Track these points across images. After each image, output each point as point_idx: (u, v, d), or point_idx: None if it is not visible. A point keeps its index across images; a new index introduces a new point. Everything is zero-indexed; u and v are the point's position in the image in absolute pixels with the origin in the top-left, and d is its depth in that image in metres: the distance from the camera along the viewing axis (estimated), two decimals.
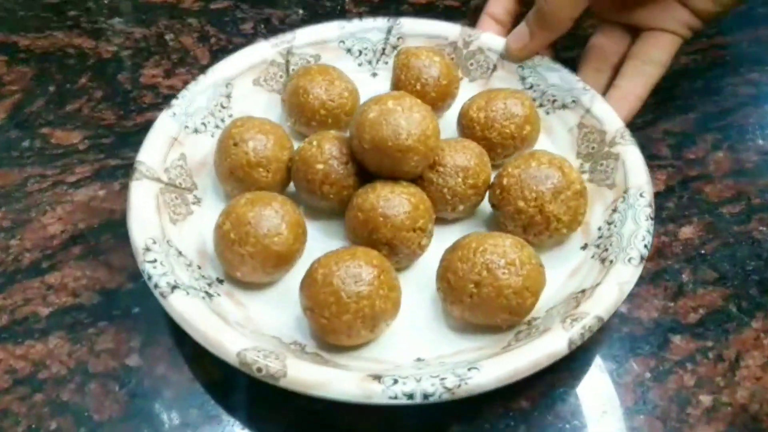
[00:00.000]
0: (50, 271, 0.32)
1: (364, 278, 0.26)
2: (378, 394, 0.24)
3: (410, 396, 0.23)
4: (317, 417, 0.25)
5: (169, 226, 0.31)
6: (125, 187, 0.36)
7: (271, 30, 0.48)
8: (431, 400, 0.24)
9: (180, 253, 0.30)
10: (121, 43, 0.47)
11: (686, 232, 0.35)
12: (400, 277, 0.30)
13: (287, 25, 0.49)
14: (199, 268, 0.30)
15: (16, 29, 0.48)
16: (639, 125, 0.41)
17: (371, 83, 0.40)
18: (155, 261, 0.28)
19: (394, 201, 0.29)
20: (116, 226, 0.34)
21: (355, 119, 0.30)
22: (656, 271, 0.33)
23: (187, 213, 0.32)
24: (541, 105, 0.37)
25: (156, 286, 0.27)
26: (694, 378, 0.29)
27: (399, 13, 0.50)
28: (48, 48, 0.46)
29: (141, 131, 0.40)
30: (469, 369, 0.24)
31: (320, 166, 0.31)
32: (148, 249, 0.28)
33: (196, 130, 0.35)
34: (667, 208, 0.36)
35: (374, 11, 0.50)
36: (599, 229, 0.31)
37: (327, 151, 0.31)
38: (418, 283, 0.30)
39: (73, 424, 0.27)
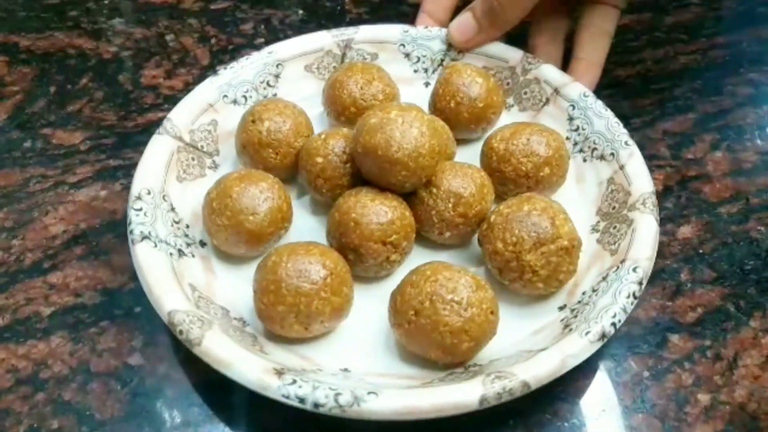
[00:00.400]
0: (52, 271, 0.33)
1: (309, 276, 0.26)
2: (272, 388, 0.24)
3: (302, 400, 0.23)
4: (317, 416, 0.25)
5: (174, 182, 0.32)
6: (126, 188, 0.36)
7: (271, 30, 0.48)
8: (321, 410, 0.23)
9: (173, 208, 0.31)
10: (122, 44, 0.47)
11: (685, 231, 0.35)
12: (370, 288, 0.30)
13: (287, 26, 0.49)
14: (188, 227, 0.31)
15: (16, 30, 0.48)
16: (638, 125, 0.41)
17: (420, 92, 0.39)
18: (141, 210, 0.30)
19: (371, 210, 0.29)
20: (118, 226, 0.35)
21: (359, 121, 0.30)
22: (654, 270, 0.33)
23: (198, 175, 0.34)
24: (581, 150, 0.35)
25: (131, 232, 0.29)
26: (693, 377, 0.29)
27: (399, 14, 0.50)
28: (49, 48, 0.46)
29: (142, 132, 0.40)
30: (368, 393, 0.24)
31: (319, 160, 0.31)
32: (139, 197, 0.30)
33: (235, 101, 0.36)
34: (666, 208, 0.36)
35: (374, 12, 0.50)
36: (584, 293, 0.29)
37: (330, 147, 0.32)
38: (383, 297, 0.29)
39: (75, 424, 0.27)
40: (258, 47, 0.39)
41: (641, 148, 0.34)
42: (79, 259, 0.33)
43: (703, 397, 0.28)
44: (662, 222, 0.35)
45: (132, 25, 0.49)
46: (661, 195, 0.37)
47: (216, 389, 0.28)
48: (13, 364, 0.29)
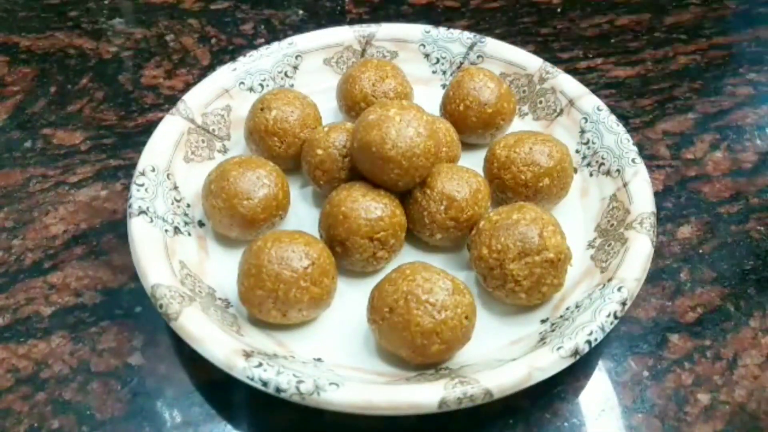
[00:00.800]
0: (52, 271, 0.33)
1: (291, 264, 0.27)
2: (238, 369, 0.24)
3: (265, 384, 0.24)
4: (318, 416, 0.25)
5: (180, 162, 0.33)
6: (127, 188, 0.37)
7: (271, 30, 0.48)
8: (282, 396, 0.24)
9: (176, 187, 0.32)
10: (122, 44, 0.47)
11: (684, 231, 0.35)
12: (358, 282, 0.30)
13: (287, 26, 0.49)
14: (189, 206, 0.32)
15: (17, 30, 0.48)
16: (638, 125, 0.41)
17: (437, 92, 0.39)
18: (143, 185, 0.31)
19: (361, 205, 0.29)
20: (118, 226, 0.35)
21: (360, 117, 0.30)
22: (654, 270, 0.33)
23: (207, 157, 0.35)
24: (588, 164, 0.35)
25: (130, 206, 0.30)
26: (692, 377, 0.29)
27: (399, 15, 0.50)
28: (49, 49, 0.46)
29: (142, 132, 0.40)
30: (330, 383, 0.24)
31: (320, 152, 0.32)
32: (143, 173, 0.31)
33: (251, 89, 0.37)
34: (666, 208, 0.36)
35: (374, 12, 0.50)
36: (568, 308, 0.28)
37: (331, 140, 0.32)
38: (366, 294, 0.28)
39: (75, 423, 0.27)
40: (258, 47, 0.39)
41: (641, 148, 0.34)
42: (80, 259, 0.33)
43: (703, 397, 0.28)
44: (662, 222, 0.35)
45: (132, 25, 0.49)
46: (661, 195, 0.37)
47: (216, 389, 0.28)
48: (13, 363, 0.29)
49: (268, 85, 0.38)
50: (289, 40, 0.39)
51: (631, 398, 0.28)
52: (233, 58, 0.38)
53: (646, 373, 0.29)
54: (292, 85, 0.38)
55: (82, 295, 0.32)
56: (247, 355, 0.25)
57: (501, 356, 0.27)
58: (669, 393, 0.28)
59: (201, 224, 0.32)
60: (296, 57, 0.39)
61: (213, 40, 0.47)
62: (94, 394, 0.28)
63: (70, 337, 0.30)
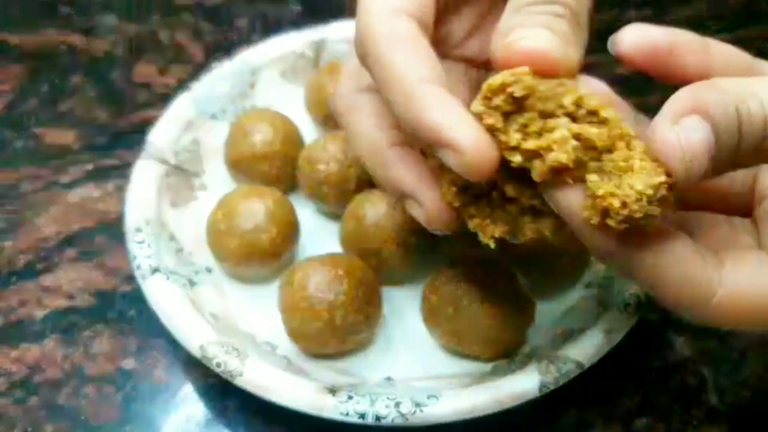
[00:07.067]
0: (45, 273, 0.32)
1: (340, 288, 0.26)
2: (329, 408, 0.23)
3: (362, 415, 0.23)
4: (316, 421, 0.25)
5: (168, 209, 0.31)
6: (120, 188, 0.36)
7: (267, 26, 0.48)
8: (383, 423, 0.23)
9: (173, 237, 0.30)
10: (114, 41, 0.46)
11: None
12: (393, 292, 0.30)
13: (283, 21, 0.48)
14: (190, 254, 0.30)
15: (6, 27, 0.47)
16: None
17: None
18: (143, 242, 0.28)
19: (388, 213, 0.29)
20: (111, 227, 0.34)
21: None
22: None
23: (190, 198, 0.32)
24: None
25: (138, 267, 0.27)
26: (697, 378, 0.29)
27: None
28: (40, 46, 0.46)
29: (135, 130, 0.39)
30: (428, 397, 0.23)
31: (322, 167, 0.31)
32: (139, 229, 0.29)
33: (213, 116, 0.35)
34: None
35: None
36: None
37: (332, 153, 0.31)
38: (409, 299, 0.29)
39: (68, 428, 0.27)
40: (253, 43, 0.38)
41: None
42: (72, 261, 0.33)
43: (708, 399, 0.28)
44: None
45: (124, 21, 0.48)
46: None
47: (211, 394, 0.28)
48: (5, 367, 0.29)
49: (228, 109, 0.36)
50: (240, 56, 0.37)
51: (635, 400, 0.28)
52: (228, 54, 0.38)
53: (650, 375, 0.29)
54: (252, 105, 0.36)
55: (75, 298, 0.31)
56: (332, 391, 0.24)
57: (560, 329, 0.27)
58: (674, 394, 0.28)
59: (208, 270, 0.30)
60: (251, 74, 0.36)
61: (207, 36, 0.47)
62: (88, 399, 0.28)
63: (64, 340, 0.30)
